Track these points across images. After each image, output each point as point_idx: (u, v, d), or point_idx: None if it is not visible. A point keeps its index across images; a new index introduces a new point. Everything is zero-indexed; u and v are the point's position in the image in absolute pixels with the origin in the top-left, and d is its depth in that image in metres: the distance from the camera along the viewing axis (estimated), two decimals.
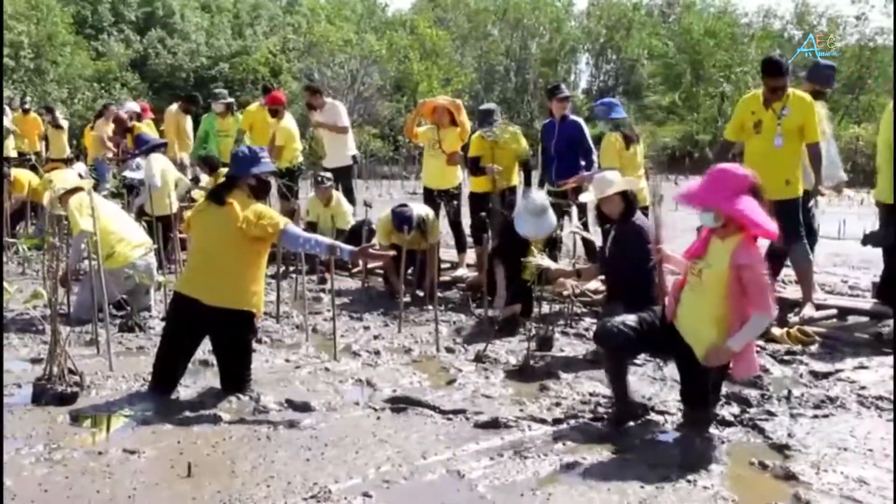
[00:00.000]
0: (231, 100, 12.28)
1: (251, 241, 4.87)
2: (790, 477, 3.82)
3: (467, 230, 8.66)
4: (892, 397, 4.86)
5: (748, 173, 4.19)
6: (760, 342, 6.18)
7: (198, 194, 9.93)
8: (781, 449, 4.16)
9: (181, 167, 11.05)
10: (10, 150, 13.40)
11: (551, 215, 6.62)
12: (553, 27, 46.49)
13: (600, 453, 4.08)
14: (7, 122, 14.02)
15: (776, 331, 6.28)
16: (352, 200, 10.14)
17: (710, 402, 4.50)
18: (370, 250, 5.12)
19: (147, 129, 12.40)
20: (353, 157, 10.88)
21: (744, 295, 4.09)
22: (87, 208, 6.22)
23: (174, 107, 12.53)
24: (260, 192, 5.10)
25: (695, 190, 4.29)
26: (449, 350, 6.11)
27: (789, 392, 5.01)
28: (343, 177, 10.54)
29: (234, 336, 4.93)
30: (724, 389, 5.06)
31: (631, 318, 4.49)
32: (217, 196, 5.00)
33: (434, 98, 9.34)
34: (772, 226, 4.12)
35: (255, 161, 5.05)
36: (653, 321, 4.51)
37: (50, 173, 9.45)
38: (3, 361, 4.88)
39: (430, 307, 6.51)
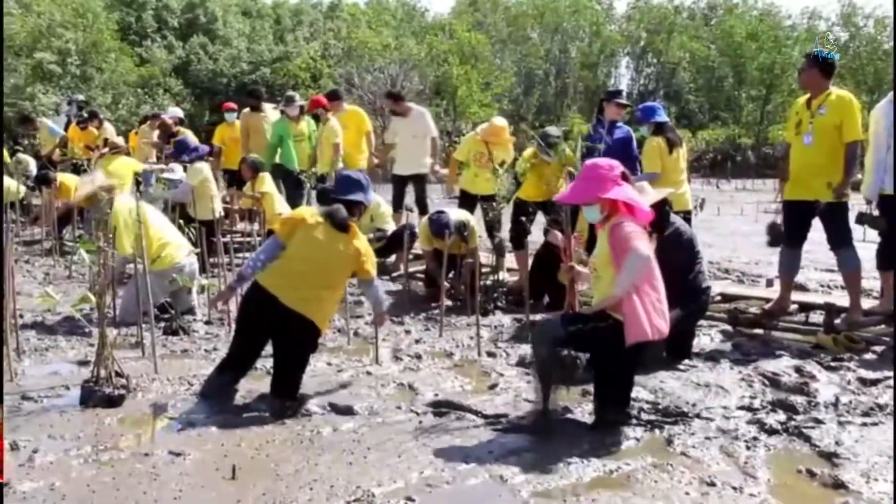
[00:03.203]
0: (303, 102, 11.45)
1: (352, 269, 5.10)
2: (839, 485, 3.75)
3: (506, 234, 8.60)
4: None
5: (615, 163, 4.56)
6: (806, 348, 6.13)
7: (243, 200, 9.93)
8: (829, 457, 4.09)
9: None
10: (56, 154, 13.62)
11: None
12: (593, 31, 46.43)
13: (644, 459, 4.05)
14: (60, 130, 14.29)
15: (823, 337, 6.19)
16: (424, 210, 9.77)
17: (628, 403, 4.57)
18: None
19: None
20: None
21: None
22: (133, 225, 6.28)
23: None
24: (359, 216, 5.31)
25: (573, 189, 4.65)
26: (490, 354, 6.09)
27: (837, 399, 4.92)
28: (418, 185, 10.20)
29: (298, 343, 4.93)
30: (770, 396, 5.02)
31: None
32: (342, 223, 5.01)
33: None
34: (644, 205, 4.51)
35: (368, 188, 5.26)
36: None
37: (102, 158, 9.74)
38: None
39: (482, 306, 6.48)
